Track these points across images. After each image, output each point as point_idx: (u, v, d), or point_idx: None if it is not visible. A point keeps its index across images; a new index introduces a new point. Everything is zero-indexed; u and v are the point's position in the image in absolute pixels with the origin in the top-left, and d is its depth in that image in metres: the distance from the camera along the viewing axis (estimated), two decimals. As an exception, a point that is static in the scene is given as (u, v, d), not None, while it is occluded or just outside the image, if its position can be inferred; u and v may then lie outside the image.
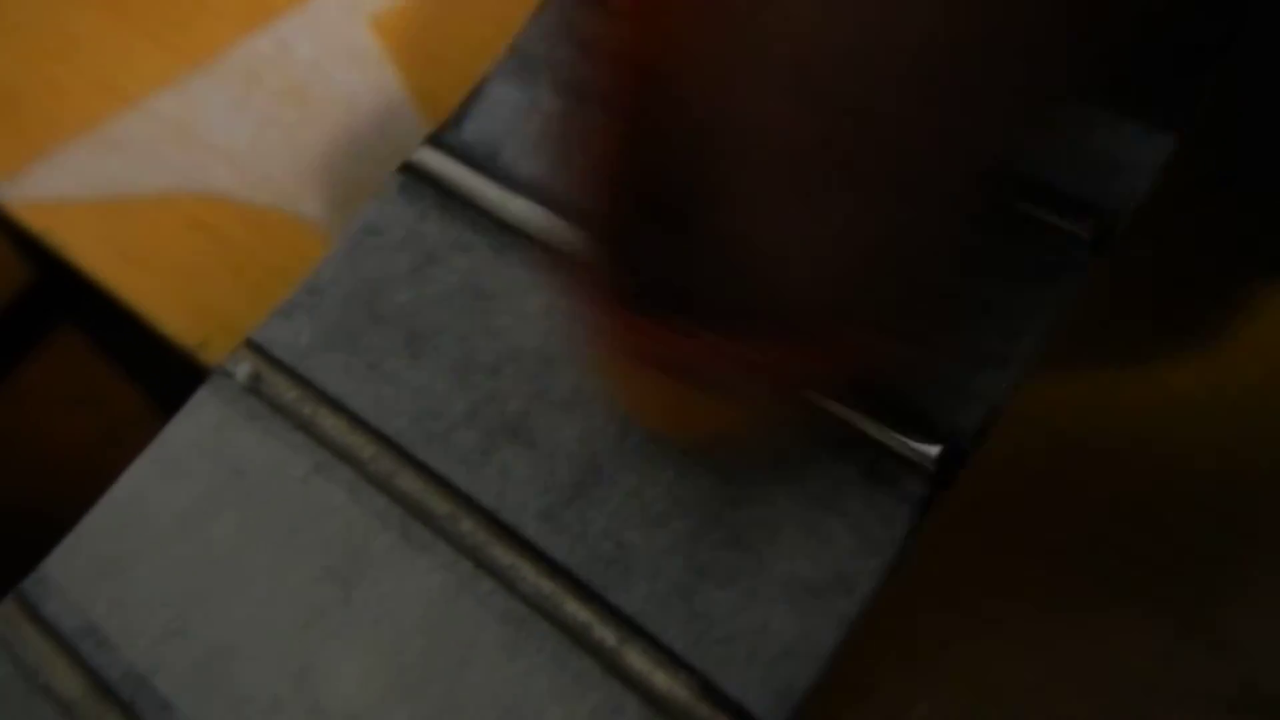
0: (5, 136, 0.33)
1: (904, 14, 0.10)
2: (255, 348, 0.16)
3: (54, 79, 0.34)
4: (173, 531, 0.15)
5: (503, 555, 0.14)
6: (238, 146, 0.32)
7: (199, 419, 0.15)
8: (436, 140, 0.17)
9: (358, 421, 0.15)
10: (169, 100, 0.33)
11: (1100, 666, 0.23)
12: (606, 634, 0.13)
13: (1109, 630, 0.24)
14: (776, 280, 0.12)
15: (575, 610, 0.14)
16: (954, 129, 0.11)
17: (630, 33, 0.11)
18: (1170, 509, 0.24)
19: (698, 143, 0.11)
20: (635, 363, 0.12)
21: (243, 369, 0.16)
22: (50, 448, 0.41)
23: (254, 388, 0.16)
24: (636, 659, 0.13)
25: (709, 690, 0.13)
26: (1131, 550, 0.24)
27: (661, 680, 0.13)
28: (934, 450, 0.14)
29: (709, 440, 0.14)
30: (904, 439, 0.14)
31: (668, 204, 0.12)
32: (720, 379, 0.12)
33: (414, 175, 0.17)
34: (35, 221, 0.32)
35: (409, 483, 0.15)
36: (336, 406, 0.15)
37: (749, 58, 0.11)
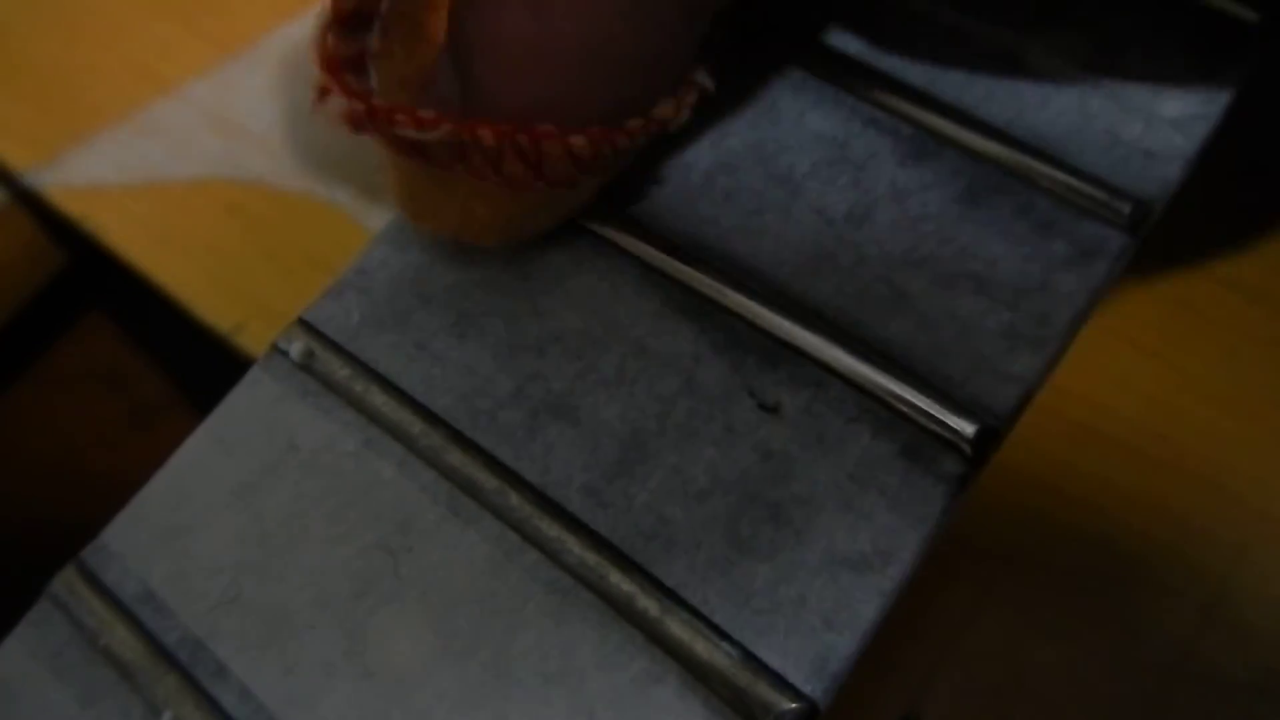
0: (43, 122, 0.34)
1: None
2: (307, 326, 0.16)
3: (92, 65, 0.34)
4: (228, 503, 0.15)
5: (548, 528, 0.14)
6: (273, 133, 0.32)
7: (254, 394, 0.16)
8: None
9: (407, 399, 0.16)
10: (205, 87, 0.33)
11: (1121, 651, 0.24)
12: (649, 604, 0.14)
13: (1130, 616, 0.24)
14: (505, 76, 0.14)
15: (619, 581, 0.14)
16: None
17: None
18: (1190, 498, 0.24)
19: None
20: (381, 143, 0.14)
21: (296, 346, 0.16)
22: (78, 432, 0.41)
23: (307, 365, 0.16)
24: (678, 628, 0.14)
25: (749, 659, 0.13)
26: (1152, 538, 0.24)
27: (702, 649, 0.13)
28: (971, 429, 0.14)
29: (449, 231, 0.16)
30: (941, 418, 0.14)
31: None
32: (446, 159, 0.14)
33: (460, 160, 0.17)
34: (72, 206, 0.33)
35: (457, 458, 0.15)
36: (386, 384, 0.16)
37: None
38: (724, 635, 0.13)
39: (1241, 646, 0.23)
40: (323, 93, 0.14)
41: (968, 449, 0.14)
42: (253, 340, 0.30)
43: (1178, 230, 0.17)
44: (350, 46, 0.15)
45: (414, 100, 0.14)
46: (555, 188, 0.15)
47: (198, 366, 0.37)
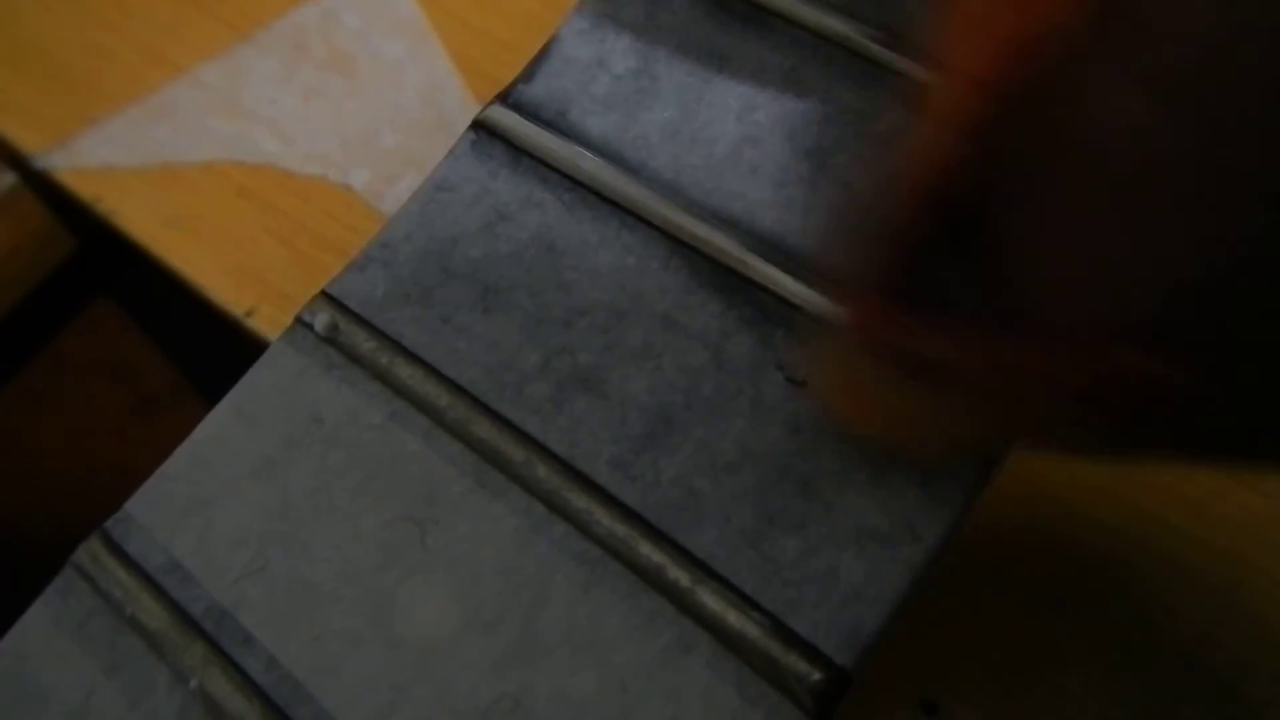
0: (55, 105, 0.34)
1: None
2: (331, 299, 0.16)
3: (103, 47, 0.34)
4: (252, 475, 0.15)
5: (576, 500, 0.14)
6: (284, 116, 0.32)
7: (278, 367, 0.16)
8: (506, 98, 0.17)
9: (433, 372, 0.15)
10: (216, 70, 0.33)
11: (1139, 640, 0.23)
12: (680, 575, 0.14)
13: (1149, 604, 0.24)
14: (1064, 290, 0.11)
15: (649, 552, 0.14)
16: None
17: (984, 52, 0.11)
18: (1207, 484, 0.24)
19: (1044, 156, 0.11)
20: (883, 356, 0.12)
21: (321, 319, 0.16)
22: (84, 420, 0.41)
23: (331, 338, 0.16)
24: (709, 599, 0.14)
25: (780, 629, 0.13)
26: (1168, 524, 0.24)
27: (734, 619, 0.13)
28: (1002, 402, 0.14)
29: (894, 439, 0.14)
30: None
31: (974, 214, 0.11)
32: (965, 381, 0.12)
33: (485, 133, 0.17)
34: (84, 189, 0.33)
35: (484, 430, 0.15)
36: (412, 357, 0.16)
37: (1107, 70, 0.10)
38: (755, 606, 0.13)
39: (1262, 636, 0.23)
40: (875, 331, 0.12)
41: (999, 422, 0.14)
42: (265, 324, 0.30)
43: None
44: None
45: (898, 299, 0.12)
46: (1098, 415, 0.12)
47: (206, 355, 0.37)
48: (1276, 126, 0.10)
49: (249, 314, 0.30)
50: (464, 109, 0.32)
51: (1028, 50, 0.11)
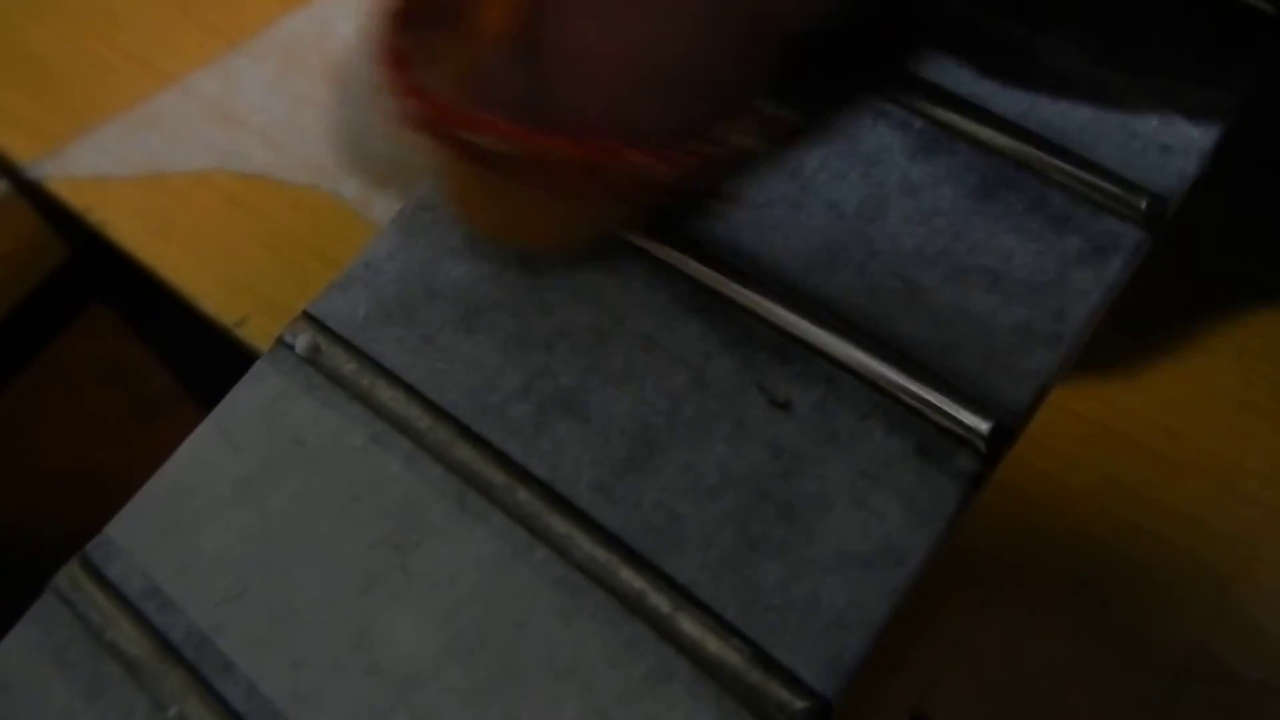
0: (46, 114, 0.34)
1: None
2: (313, 320, 0.16)
3: (95, 57, 0.34)
4: (233, 498, 0.15)
5: (557, 524, 0.14)
6: (275, 125, 0.32)
7: (259, 389, 0.16)
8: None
9: (414, 393, 0.15)
10: (208, 79, 0.33)
11: (1130, 651, 0.23)
12: (660, 601, 0.14)
13: (1140, 615, 0.24)
14: (578, 87, 0.14)
15: (629, 578, 0.14)
16: None
17: None
18: (1200, 495, 0.24)
19: None
20: (445, 147, 0.14)
21: (302, 340, 0.16)
22: (80, 426, 0.41)
23: (313, 359, 0.16)
24: (689, 626, 0.13)
25: (760, 657, 0.13)
26: (1160, 536, 0.24)
27: (713, 647, 0.13)
28: (985, 427, 0.14)
29: (501, 235, 0.16)
30: (955, 415, 0.14)
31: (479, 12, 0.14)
32: (519, 168, 0.14)
33: (468, 152, 0.17)
34: (76, 199, 0.33)
35: (465, 453, 0.15)
36: (393, 379, 0.16)
37: None
38: (735, 633, 0.13)
39: (1252, 645, 0.23)
40: (386, 92, 0.14)
41: (982, 446, 0.14)
42: (256, 334, 0.30)
43: (1188, 224, 0.17)
44: (413, 42, 0.14)
45: (468, 99, 0.14)
46: (616, 203, 0.15)
47: (201, 360, 0.37)
48: None
49: (240, 324, 0.30)
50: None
51: None
